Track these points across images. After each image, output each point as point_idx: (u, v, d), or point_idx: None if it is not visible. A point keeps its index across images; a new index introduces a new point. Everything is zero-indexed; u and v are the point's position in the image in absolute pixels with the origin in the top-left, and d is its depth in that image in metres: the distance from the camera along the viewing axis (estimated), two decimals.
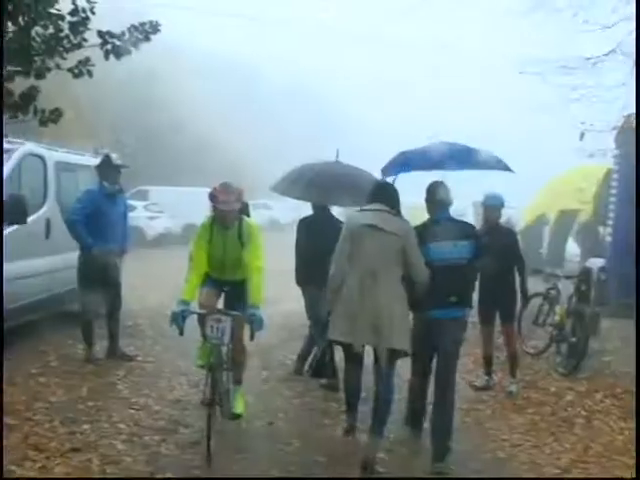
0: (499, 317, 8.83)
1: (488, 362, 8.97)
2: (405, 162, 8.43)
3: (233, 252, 6.72)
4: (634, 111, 10.97)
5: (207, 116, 44.68)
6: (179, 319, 6.18)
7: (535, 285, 11.95)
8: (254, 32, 69.78)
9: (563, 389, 8.86)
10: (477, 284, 8.31)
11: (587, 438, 7.23)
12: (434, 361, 6.53)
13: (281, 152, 54.38)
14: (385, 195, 6.42)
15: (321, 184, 8.51)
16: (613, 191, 14.47)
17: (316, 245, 7.85)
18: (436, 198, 6.55)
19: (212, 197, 6.43)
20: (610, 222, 14.70)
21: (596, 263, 12.40)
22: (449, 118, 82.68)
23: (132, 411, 7.28)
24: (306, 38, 76.41)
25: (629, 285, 12.81)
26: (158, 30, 5.83)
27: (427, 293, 6.21)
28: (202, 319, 6.50)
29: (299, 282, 8.74)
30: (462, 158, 8.26)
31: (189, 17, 45.50)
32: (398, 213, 6.33)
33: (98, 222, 9.06)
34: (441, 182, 6.78)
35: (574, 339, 9.73)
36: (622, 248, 13.69)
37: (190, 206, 31.12)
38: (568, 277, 10.79)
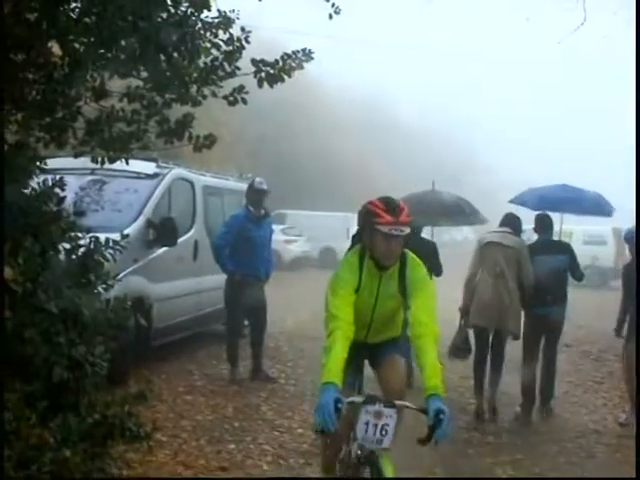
0: None
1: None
2: (526, 200, 10.16)
3: (387, 305, 4.69)
4: None
5: (342, 144, 45.13)
6: (331, 414, 3.94)
7: None
8: (387, 60, 70.22)
9: None
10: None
11: None
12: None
13: (410, 179, 54.50)
14: (508, 221, 8.66)
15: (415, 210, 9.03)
16: None
17: None
18: (540, 226, 8.80)
19: (369, 216, 4.38)
20: None
21: None
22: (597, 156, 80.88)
23: (276, 433, 7.36)
24: (440, 66, 76.00)
25: None
26: (311, 58, 5.89)
27: (533, 294, 8.31)
28: (353, 410, 4.37)
29: None
30: (572, 204, 10.06)
31: (326, 46, 46.20)
32: (517, 234, 8.57)
33: (244, 246, 9.25)
34: (545, 214, 8.91)
35: None
36: None
37: (327, 230, 31.57)
38: None
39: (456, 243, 45.19)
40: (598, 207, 10.23)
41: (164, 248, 9.49)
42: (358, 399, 4.30)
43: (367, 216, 4.43)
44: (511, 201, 10.35)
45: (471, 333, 8.74)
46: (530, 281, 8.23)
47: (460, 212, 10.49)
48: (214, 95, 6.02)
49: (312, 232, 31.15)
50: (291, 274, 25.62)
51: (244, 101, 5.97)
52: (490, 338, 8.51)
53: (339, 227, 32.37)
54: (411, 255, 4.66)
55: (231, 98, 5.93)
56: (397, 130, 59.47)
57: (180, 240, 9.84)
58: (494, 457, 7.00)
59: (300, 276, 26.26)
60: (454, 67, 77.89)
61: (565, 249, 8.77)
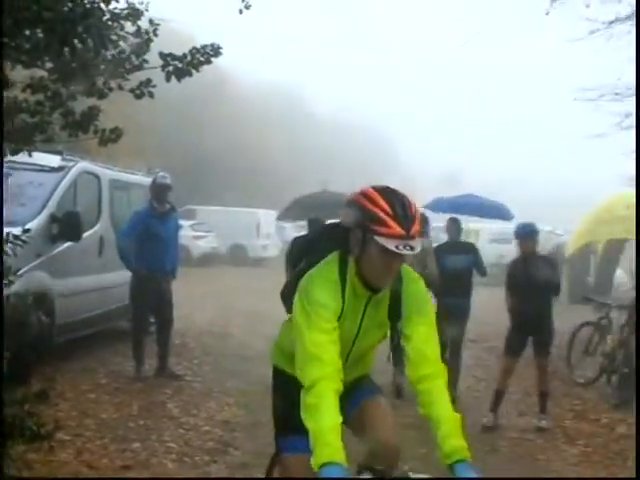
0: (533, 350, 8.37)
1: (500, 397, 8.40)
2: (438, 205, 11.59)
3: (371, 337, 3.54)
4: None
5: (254, 139, 44.98)
6: None
7: (584, 314, 11.85)
8: (303, 56, 70.42)
9: (615, 421, 8.68)
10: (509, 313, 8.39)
11: None
12: None
13: (325, 174, 54.65)
14: None
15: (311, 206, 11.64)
16: None
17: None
18: (450, 229, 9.71)
19: (367, 219, 3.12)
20: None
21: None
22: (504, 146, 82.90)
23: (182, 431, 7.30)
24: (355, 64, 76.81)
25: None
26: (220, 53, 5.85)
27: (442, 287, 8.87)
28: None
29: None
30: (475, 208, 11.75)
31: (239, 41, 45.94)
32: (425, 235, 9.01)
33: (148, 242, 9.14)
34: (455, 219, 9.90)
35: (626, 370, 9.57)
36: None
37: (236, 226, 31.47)
38: (621, 307, 10.61)
39: None
40: (499, 212, 11.99)
41: (68, 243, 9.29)
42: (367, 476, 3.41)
43: (362, 218, 3.11)
44: (425, 206, 11.22)
45: None
46: (435, 277, 8.90)
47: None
48: (120, 88, 5.92)
49: (222, 228, 31.01)
50: (200, 270, 25.43)
51: (151, 95, 5.88)
52: None
53: (249, 223, 32.35)
54: (405, 267, 3.46)
55: (138, 91, 5.84)
56: (311, 125, 59.56)
57: (85, 235, 9.65)
58: None
59: (209, 272, 26.12)
60: (372, 63, 78.69)
61: (470, 249, 9.81)
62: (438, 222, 11.53)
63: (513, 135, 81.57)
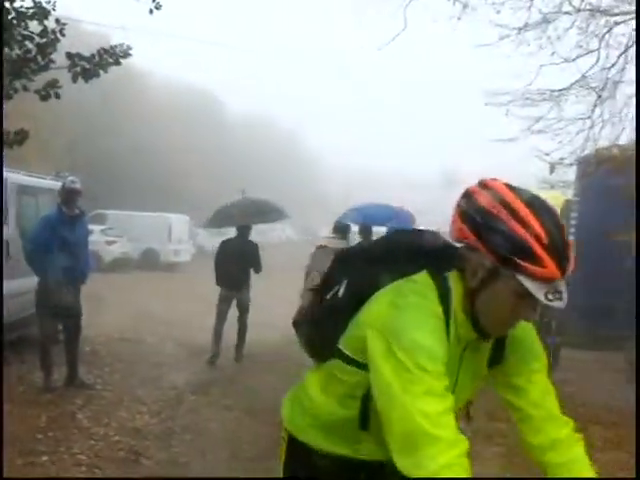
0: None
1: None
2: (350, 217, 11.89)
3: (467, 390, 2.58)
4: (596, 144, 11.16)
5: (165, 141, 44.51)
6: None
7: None
8: (217, 58, 70.18)
9: None
10: None
11: None
12: None
13: (239, 177, 54.48)
14: (337, 228, 10.47)
15: (234, 213, 12.23)
16: (573, 222, 14.61)
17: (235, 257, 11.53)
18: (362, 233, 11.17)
19: (513, 249, 2.13)
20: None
21: None
22: (416, 150, 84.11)
23: (92, 442, 7.07)
24: (272, 65, 77.16)
25: (588, 315, 12.98)
26: (129, 54, 5.72)
27: None
28: None
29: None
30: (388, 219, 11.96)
31: (151, 41, 45.49)
32: (345, 238, 10.28)
33: (57, 248, 8.87)
34: (366, 225, 11.23)
35: None
36: (581, 277, 13.82)
37: (148, 231, 31.09)
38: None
39: (282, 242, 45.78)
40: (405, 221, 12.41)
41: None
42: None
43: (502, 242, 2.13)
44: (339, 219, 11.68)
45: None
46: None
47: (270, 211, 12.75)
48: (25, 89, 5.74)
49: (133, 233, 30.56)
50: (111, 276, 24.96)
51: (57, 96, 5.73)
52: None
53: (161, 228, 31.96)
54: None
55: (44, 92, 5.67)
56: (223, 127, 59.33)
57: None
58: None
59: (120, 278, 25.66)
60: (282, 66, 78.87)
61: None
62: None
63: (425, 138, 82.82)
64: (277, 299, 14.23)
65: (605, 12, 11.24)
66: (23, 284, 10.04)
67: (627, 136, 10.67)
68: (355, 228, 11.97)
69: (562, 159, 10.66)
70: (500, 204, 2.15)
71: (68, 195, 9.17)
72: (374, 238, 9.93)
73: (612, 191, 10.63)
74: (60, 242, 8.90)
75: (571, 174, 12.93)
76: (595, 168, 10.67)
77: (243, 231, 11.94)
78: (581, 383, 10.49)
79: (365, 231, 11.20)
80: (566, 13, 11.35)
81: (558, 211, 2.20)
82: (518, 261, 2.09)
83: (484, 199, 2.19)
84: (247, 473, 6.41)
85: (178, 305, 17.66)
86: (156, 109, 46.37)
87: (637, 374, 8.09)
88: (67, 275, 8.96)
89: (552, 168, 9.57)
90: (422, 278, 2.36)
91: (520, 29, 11.47)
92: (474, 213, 2.19)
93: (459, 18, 11.57)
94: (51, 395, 8.69)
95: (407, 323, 2.18)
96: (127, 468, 6.44)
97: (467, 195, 2.26)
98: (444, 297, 2.30)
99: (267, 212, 12.79)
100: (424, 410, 2.04)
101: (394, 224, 12.18)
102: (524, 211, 2.12)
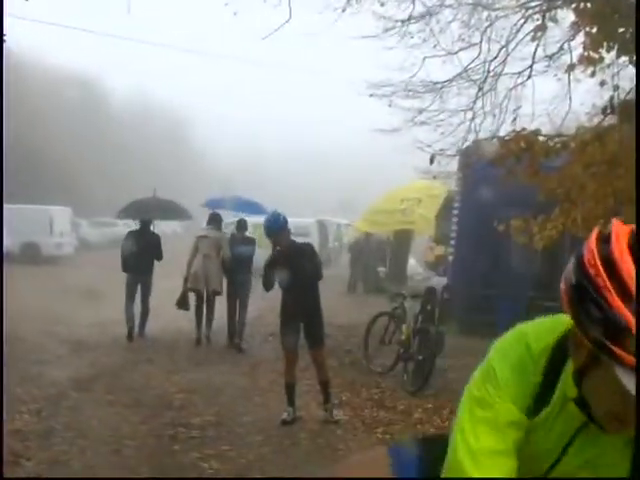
0: (306, 341, 8.32)
1: (291, 390, 8.37)
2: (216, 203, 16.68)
3: (579, 471, 1.96)
4: (477, 136, 11.44)
5: (44, 131, 43.25)
6: None
7: (380, 304, 12.21)
8: (103, 48, 68.62)
9: (412, 407, 8.95)
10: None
11: None
12: None
13: (123, 170, 53.49)
14: (213, 219, 13.33)
15: (144, 209, 14.79)
16: (455, 212, 14.94)
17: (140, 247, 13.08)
18: (237, 225, 13.42)
19: (606, 330, 1.59)
20: (452, 242, 15.18)
21: (440, 282, 12.73)
22: (298, 138, 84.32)
23: None
24: (158, 55, 76.06)
25: (471, 303, 13.30)
26: (3, 41, 5.49)
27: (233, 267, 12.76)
28: None
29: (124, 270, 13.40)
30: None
31: (37, 30, 44.11)
32: (219, 228, 13.32)
33: None
34: (242, 219, 13.64)
35: (420, 357, 9.90)
36: (463, 267, 14.19)
37: (29, 224, 30.10)
38: (414, 296, 10.97)
39: (168, 236, 45.17)
40: (257, 209, 16.59)
41: None
42: None
43: (598, 320, 1.62)
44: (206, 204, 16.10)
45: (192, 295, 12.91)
46: (228, 258, 12.61)
47: (177, 210, 16.38)
48: None
49: (12, 226, 29.52)
50: None
51: None
52: (204, 296, 12.89)
53: (42, 221, 31.02)
54: None
55: None
56: (110, 120, 58.14)
57: None
58: (200, 451, 6.96)
59: None
60: (173, 53, 77.87)
61: (252, 241, 13.11)
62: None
63: (308, 130, 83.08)
64: (159, 291, 14.12)
65: (487, 6, 11.52)
66: None
67: (507, 128, 10.95)
68: (228, 219, 14.40)
69: (442, 150, 10.86)
70: (603, 265, 1.62)
71: None
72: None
73: (493, 182, 10.88)
74: None
75: (453, 165, 13.21)
76: (476, 159, 10.89)
77: (145, 224, 13.78)
78: (464, 370, 10.67)
79: (238, 224, 13.41)
80: (449, 6, 11.58)
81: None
82: (613, 348, 1.59)
83: (587, 256, 1.67)
84: (129, 470, 6.30)
85: (60, 300, 17.17)
86: (37, 99, 45.01)
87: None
88: None
89: (432, 159, 9.71)
90: (551, 324, 1.95)
91: (404, 21, 11.62)
92: (573, 277, 1.69)
93: (344, 10, 11.61)
94: None
95: (497, 357, 1.93)
96: (7, 469, 6.21)
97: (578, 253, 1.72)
98: (557, 353, 1.89)
99: (174, 211, 16.33)
100: (470, 444, 1.81)
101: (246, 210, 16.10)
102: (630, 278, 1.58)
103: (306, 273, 8.04)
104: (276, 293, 8.45)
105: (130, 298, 13.20)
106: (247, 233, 13.29)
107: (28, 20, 26.87)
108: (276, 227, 8.23)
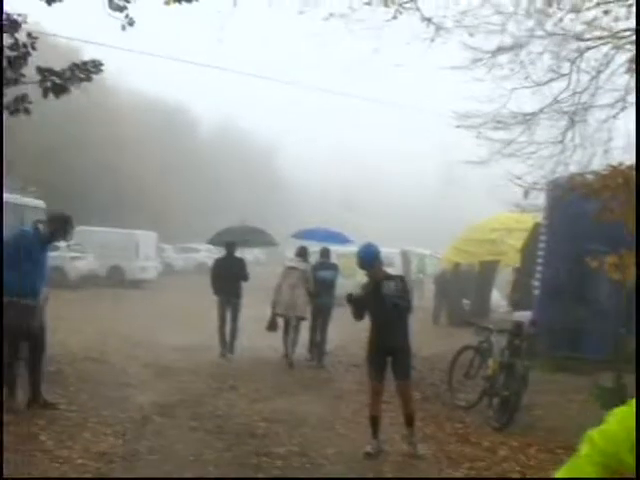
0: (393, 373, 8.22)
1: (376, 422, 8.25)
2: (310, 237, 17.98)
3: None
4: (567, 169, 11.24)
5: (136, 159, 44.25)
6: None
7: (464, 337, 12.03)
8: (191, 76, 69.87)
9: (497, 443, 8.75)
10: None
11: None
12: None
13: (207, 196, 54.28)
14: (300, 252, 14.36)
15: (231, 236, 16.31)
16: (541, 245, 14.66)
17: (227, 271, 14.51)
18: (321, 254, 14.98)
19: None
20: (538, 275, 14.88)
21: (524, 316, 12.50)
22: (386, 171, 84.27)
23: (56, 464, 6.89)
24: (244, 84, 77.18)
25: (556, 338, 13.00)
26: (101, 70, 5.61)
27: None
28: None
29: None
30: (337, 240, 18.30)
31: (124, 57, 45.26)
32: (306, 260, 14.28)
33: (25, 265, 8.65)
34: (325, 248, 15.17)
35: (507, 393, 9.69)
36: (549, 302, 13.89)
37: (115, 247, 30.73)
38: (500, 331, 10.77)
39: (250, 262, 45.59)
40: (341, 238, 18.35)
41: None
42: None
43: None
44: (293, 236, 18.09)
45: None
46: (311, 287, 13.82)
47: (263, 237, 18.44)
48: None
49: (100, 249, 30.23)
50: (76, 293, 24.67)
51: (27, 111, 5.58)
52: (292, 322, 13.76)
53: (127, 244, 31.64)
54: None
55: (13, 108, 5.53)
56: (196, 146, 59.13)
57: None
58: None
59: (86, 295, 25.35)
60: (255, 86, 78.95)
61: (335, 267, 14.86)
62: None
63: (397, 161, 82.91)
64: (245, 318, 14.50)
65: (577, 37, 11.32)
66: None
67: (598, 161, 10.73)
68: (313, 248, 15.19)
69: (535, 183, 10.69)
70: None
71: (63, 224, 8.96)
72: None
73: (582, 216, 10.65)
74: (30, 260, 8.70)
75: (541, 198, 12.98)
76: (567, 193, 10.67)
77: (231, 249, 14.97)
78: (550, 407, 10.47)
79: (321, 252, 15.07)
80: (539, 37, 11.42)
81: None
82: None
83: None
84: None
85: (144, 323, 17.45)
86: (125, 125, 46.10)
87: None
88: (30, 291, 8.74)
89: (526, 193, 9.57)
90: None
91: (493, 52, 11.53)
92: None
93: (432, 40, 11.58)
94: (13, 415, 8.47)
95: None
96: None
97: None
98: None
99: (262, 238, 18.48)
100: None
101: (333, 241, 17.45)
102: None
103: (397, 304, 7.99)
104: (356, 324, 8.44)
105: (221, 320, 14.28)
106: (331, 261, 14.94)
107: (124, 50, 27.60)
108: (369, 258, 8.20)
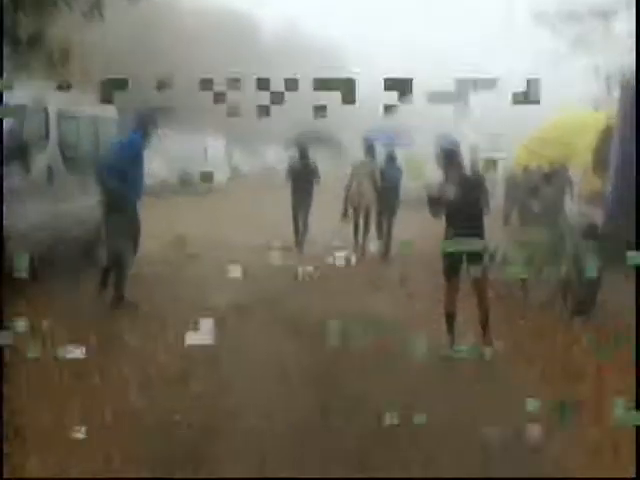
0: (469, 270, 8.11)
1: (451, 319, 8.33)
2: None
3: None
4: None
5: (200, 60, 44.15)
6: None
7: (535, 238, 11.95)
8: None
9: (570, 341, 8.65)
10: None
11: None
12: None
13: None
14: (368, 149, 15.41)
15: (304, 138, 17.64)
16: (614, 147, 14.17)
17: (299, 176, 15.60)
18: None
19: None
20: (611, 177, 14.46)
21: (597, 215, 12.33)
22: (450, 64, 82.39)
23: (141, 364, 7.16)
24: None
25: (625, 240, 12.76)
26: None
27: None
28: None
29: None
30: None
31: None
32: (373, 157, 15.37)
33: (130, 168, 9.22)
34: (390, 150, 15.88)
35: (580, 291, 9.65)
36: (620, 202, 13.54)
37: (185, 153, 30.72)
38: (572, 231, 10.63)
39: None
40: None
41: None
42: None
43: None
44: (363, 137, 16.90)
45: None
46: (379, 183, 14.91)
47: (329, 140, 21.32)
48: (69, 8, 5.63)
49: (170, 154, 30.23)
50: (146, 198, 24.88)
51: (101, 16, 5.62)
52: (360, 213, 15.08)
53: (196, 150, 31.60)
54: None
55: (88, 13, 5.57)
56: (260, 51, 58.68)
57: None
58: (364, 380, 7.04)
59: (156, 200, 25.57)
60: None
61: (400, 169, 15.46)
62: None
63: (460, 56, 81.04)
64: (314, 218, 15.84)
65: None
66: (67, 207, 10.16)
67: None
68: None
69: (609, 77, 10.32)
70: None
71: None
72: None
73: None
74: (135, 164, 9.27)
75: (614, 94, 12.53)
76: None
77: (304, 152, 15.84)
78: (623, 306, 10.32)
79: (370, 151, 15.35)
80: None
81: None
82: None
83: None
84: (293, 397, 6.52)
85: (218, 226, 17.67)
86: (192, 31, 45.89)
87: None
88: (135, 193, 9.43)
89: (608, 87, 9.18)
90: None
91: None
92: None
93: None
94: (98, 317, 8.76)
95: None
96: (176, 389, 6.52)
97: None
98: None
99: (330, 141, 20.54)
100: None
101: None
102: None
103: (476, 203, 7.96)
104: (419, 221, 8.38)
105: (295, 218, 15.64)
106: (397, 163, 15.50)
107: None
108: (451, 153, 8.15)
